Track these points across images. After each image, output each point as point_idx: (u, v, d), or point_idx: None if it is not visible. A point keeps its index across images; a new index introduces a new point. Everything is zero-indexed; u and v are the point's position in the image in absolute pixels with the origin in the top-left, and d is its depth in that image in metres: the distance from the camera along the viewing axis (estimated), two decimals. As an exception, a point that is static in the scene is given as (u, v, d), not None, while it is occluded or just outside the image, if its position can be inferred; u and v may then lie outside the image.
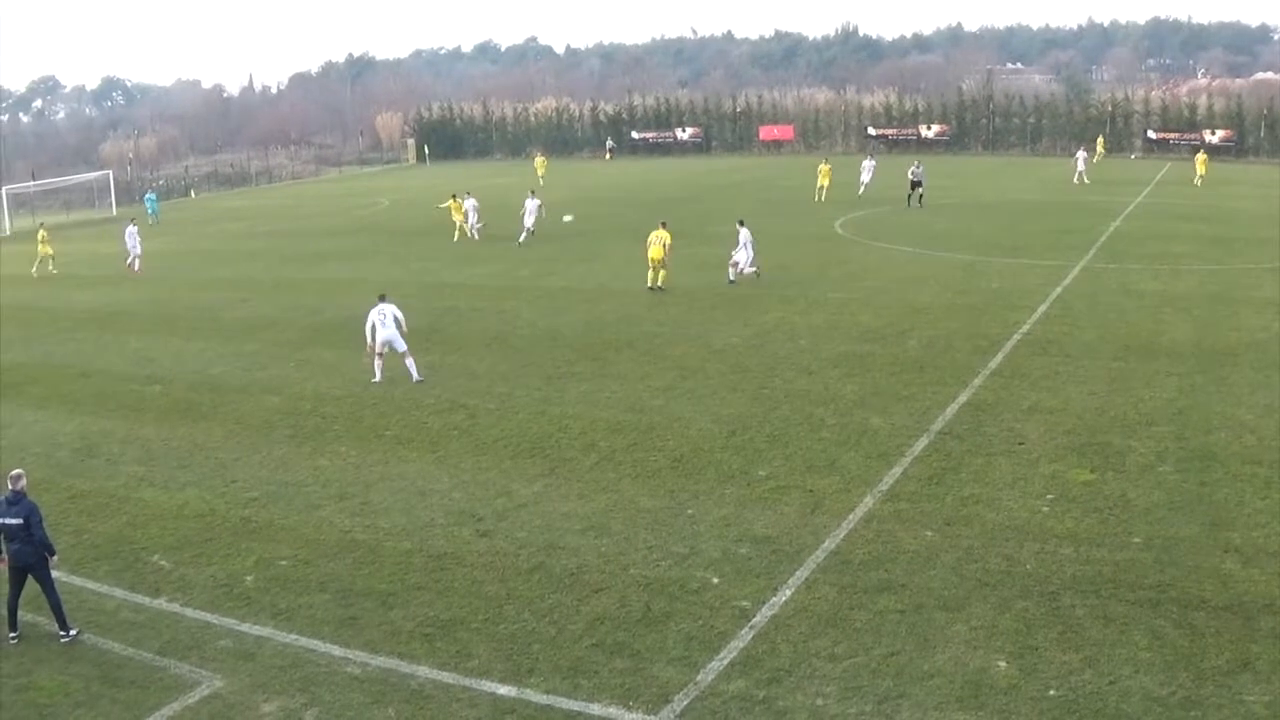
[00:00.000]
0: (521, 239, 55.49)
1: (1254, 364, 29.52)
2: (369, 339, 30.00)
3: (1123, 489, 20.89)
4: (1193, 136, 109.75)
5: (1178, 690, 13.99)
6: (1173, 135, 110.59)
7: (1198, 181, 78.08)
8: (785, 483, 21.67)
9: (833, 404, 26.78)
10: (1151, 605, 16.25)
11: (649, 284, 41.48)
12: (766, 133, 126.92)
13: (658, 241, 41.38)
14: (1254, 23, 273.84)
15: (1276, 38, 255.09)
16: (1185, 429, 24.39)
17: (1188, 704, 13.71)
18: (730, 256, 42.70)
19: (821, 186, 70.11)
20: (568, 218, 58.32)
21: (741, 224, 42.85)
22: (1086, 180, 78.76)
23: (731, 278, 42.18)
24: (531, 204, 56.79)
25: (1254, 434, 23.90)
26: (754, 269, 42.36)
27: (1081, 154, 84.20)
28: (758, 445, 23.96)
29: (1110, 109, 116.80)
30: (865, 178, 71.16)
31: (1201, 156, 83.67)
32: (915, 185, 65.16)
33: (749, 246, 42.27)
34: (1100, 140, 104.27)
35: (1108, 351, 30.98)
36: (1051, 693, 13.99)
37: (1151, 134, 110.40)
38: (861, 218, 61.72)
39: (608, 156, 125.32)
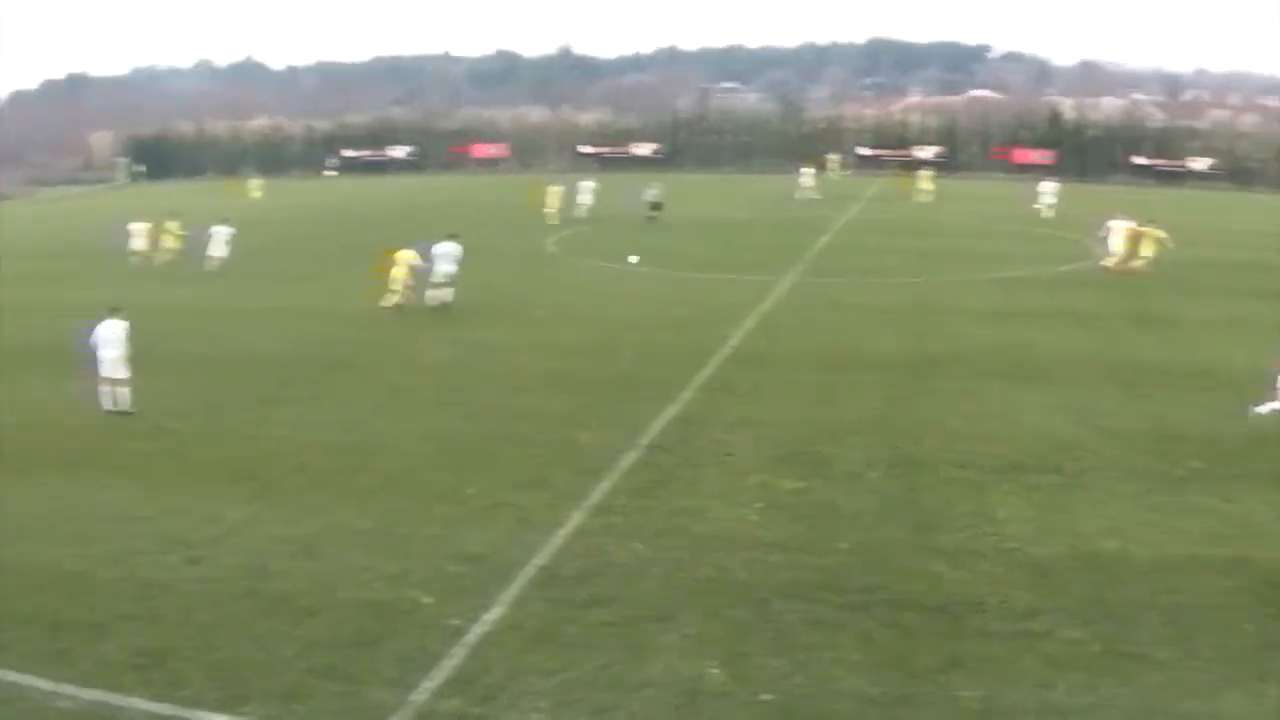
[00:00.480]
0: (211, 267, 54.15)
1: (961, 373, 32.24)
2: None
3: (831, 496, 22.58)
4: (904, 153, 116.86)
5: (890, 690, 15.31)
6: (884, 151, 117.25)
7: (925, 198, 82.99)
8: (495, 500, 22.42)
9: (542, 420, 27.78)
10: (861, 608, 17.68)
11: (386, 304, 41.68)
12: (480, 151, 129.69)
13: (402, 261, 41.65)
14: (971, 42, 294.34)
15: (992, 56, 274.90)
16: (893, 436, 26.52)
17: (900, 703, 15.06)
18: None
19: (551, 209, 71.22)
20: (633, 259, 54.43)
21: (452, 238, 43.26)
22: (798, 196, 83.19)
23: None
24: (222, 231, 55.25)
25: (960, 439, 26.26)
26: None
27: (806, 170, 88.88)
28: (468, 463, 24.70)
29: (824, 126, 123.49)
30: (585, 199, 72.92)
31: (925, 173, 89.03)
32: (655, 206, 67.36)
33: (447, 260, 42.53)
34: (838, 159, 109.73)
35: (816, 363, 33.14)
36: (765, 697, 15.10)
37: (864, 150, 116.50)
38: (573, 235, 63.43)
39: (330, 174, 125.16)
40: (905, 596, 18.15)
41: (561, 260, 54.55)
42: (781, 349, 34.97)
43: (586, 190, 73.43)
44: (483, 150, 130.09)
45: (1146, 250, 51.46)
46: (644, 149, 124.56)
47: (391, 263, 41.89)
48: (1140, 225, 52.32)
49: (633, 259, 53.88)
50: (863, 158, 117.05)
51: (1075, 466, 24.84)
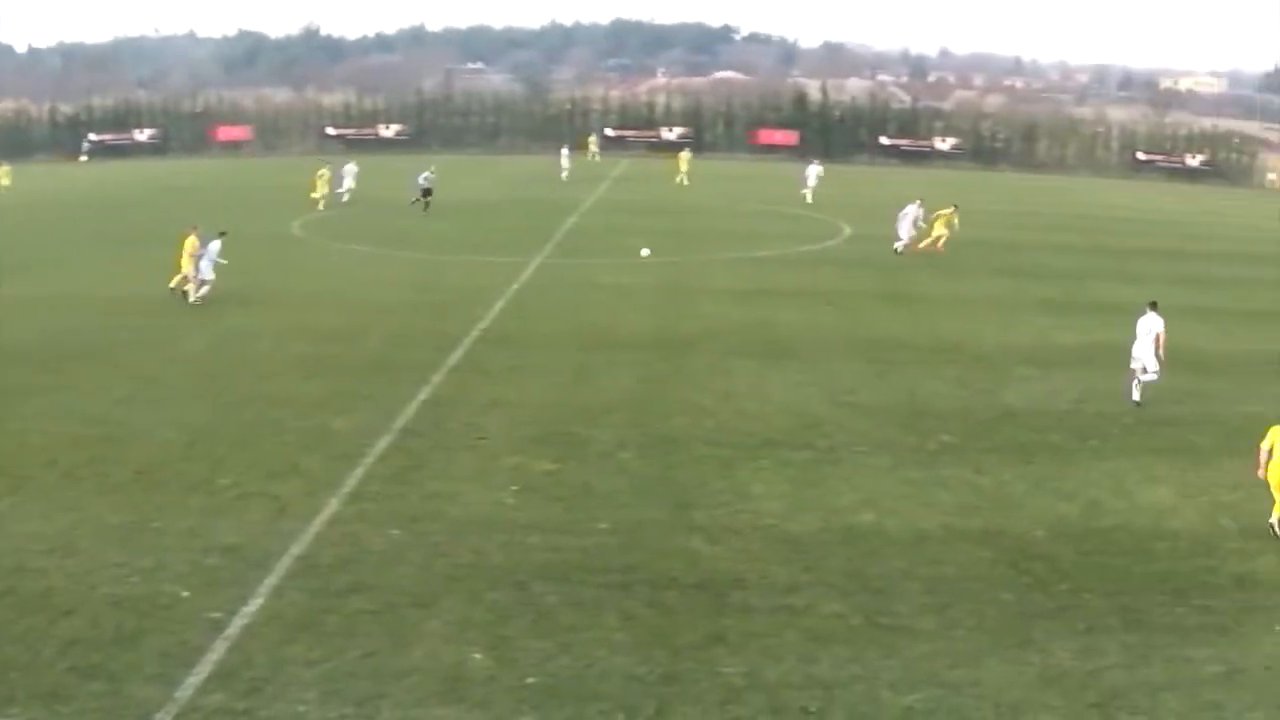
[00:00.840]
0: None
1: (711, 351, 32.99)
2: None
3: (586, 477, 22.92)
4: (651, 134, 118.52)
5: (655, 668, 15.64)
6: (630, 132, 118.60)
7: (682, 180, 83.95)
8: (249, 489, 22.10)
9: (294, 406, 27.46)
10: (621, 588, 18.02)
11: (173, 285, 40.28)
12: (225, 133, 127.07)
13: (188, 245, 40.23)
14: (716, 23, 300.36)
15: (737, 38, 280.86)
16: (645, 416, 27.09)
17: (666, 680, 15.39)
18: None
19: (323, 195, 69.49)
20: (645, 251, 50.75)
21: (222, 235, 41.80)
22: (564, 178, 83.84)
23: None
24: None
25: (713, 417, 26.96)
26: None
27: (565, 151, 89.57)
28: (220, 452, 24.21)
29: (569, 108, 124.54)
30: (348, 182, 71.58)
31: (685, 154, 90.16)
32: (426, 192, 66.65)
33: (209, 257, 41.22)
34: (591, 141, 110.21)
35: (567, 344, 33.46)
36: (530, 680, 15.25)
37: (609, 131, 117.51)
38: (320, 219, 62.40)
39: (83, 159, 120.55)
40: (665, 575, 18.55)
41: (309, 244, 53.79)
42: (533, 330, 35.21)
43: (349, 174, 72.36)
44: (227, 133, 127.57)
45: (939, 230, 53.39)
46: (390, 130, 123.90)
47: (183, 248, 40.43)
48: (939, 209, 54.41)
49: (645, 251, 50.39)
50: (608, 139, 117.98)
51: (827, 442, 25.71)
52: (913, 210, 53.22)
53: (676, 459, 24.12)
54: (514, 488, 22.21)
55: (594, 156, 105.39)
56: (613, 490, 22.29)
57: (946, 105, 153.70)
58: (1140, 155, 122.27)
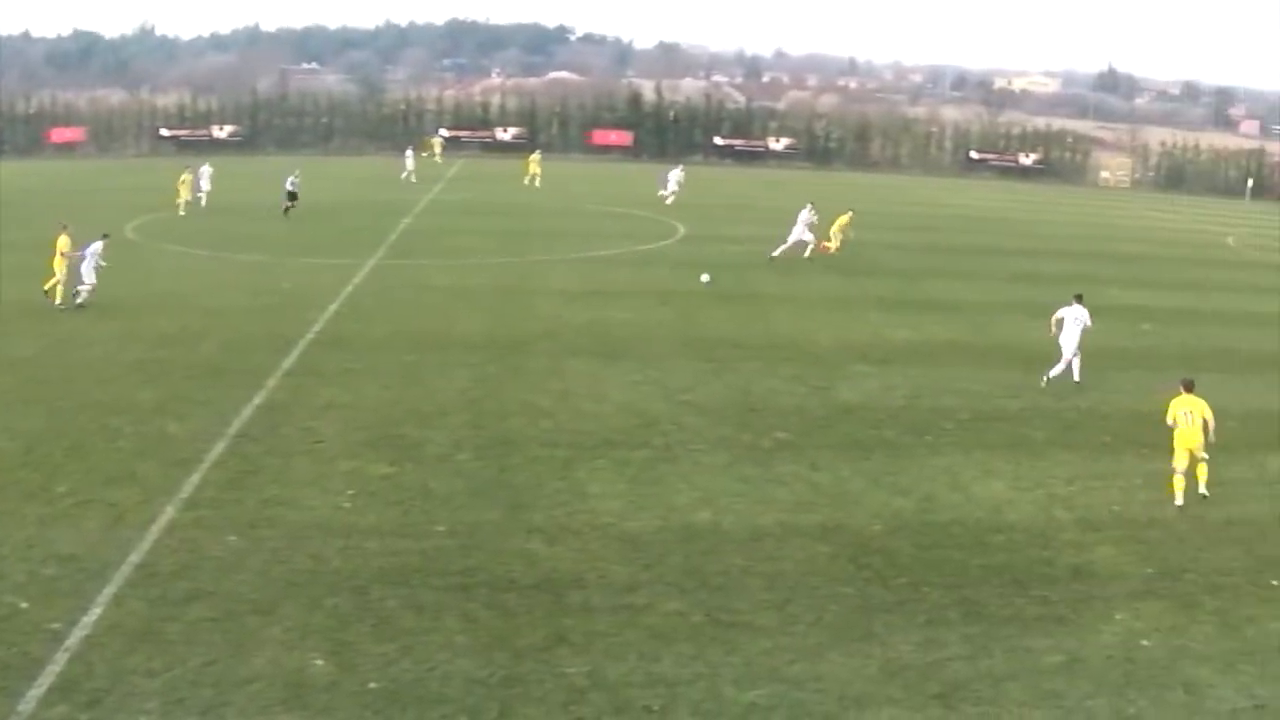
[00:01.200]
0: None
1: (547, 351, 33.13)
2: None
3: (423, 479, 22.88)
4: (486, 134, 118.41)
5: (497, 670, 15.69)
6: (465, 133, 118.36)
7: (533, 181, 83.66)
8: (86, 497, 21.63)
9: (130, 412, 26.90)
10: (461, 590, 18.05)
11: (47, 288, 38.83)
12: (58, 135, 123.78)
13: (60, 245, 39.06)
14: (552, 24, 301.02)
15: (573, 38, 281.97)
16: (481, 417, 27.10)
17: (509, 682, 15.44)
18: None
19: (185, 200, 67.68)
20: (705, 278, 47.24)
21: (105, 237, 40.68)
22: (414, 179, 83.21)
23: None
24: None
25: (549, 418, 27.14)
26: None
27: (409, 152, 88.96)
28: (56, 460, 23.65)
29: (404, 108, 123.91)
30: (205, 185, 69.82)
31: (535, 156, 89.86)
32: (292, 196, 65.59)
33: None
34: (435, 142, 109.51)
35: (401, 346, 33.31)
36: (372, 685, 15.21)
37: (444, 132, 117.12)
38: (153, 222, 61.06)
39: None
40: (505, 576, 18.63)
41: (144, 248, 52.64)
42: (367, 333, 35.00)
43: (205, 175, 70.73)
44: (60, 135, 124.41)
45: (838, 233, 54.06)
46: (224, 131, 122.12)
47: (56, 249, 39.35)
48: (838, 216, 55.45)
49: (705, 278, 46.86)
50: (443, 139, 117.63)
51: (664, 441, 25.98)
52: (806, 215, 53.56)
53: (513, 460, 24.19)
54: (351, 492, 22.07)
55: (437, 158, 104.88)
56: (450, 492, 22.28)
57: (781, 105, 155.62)
58: (974, 154, 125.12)
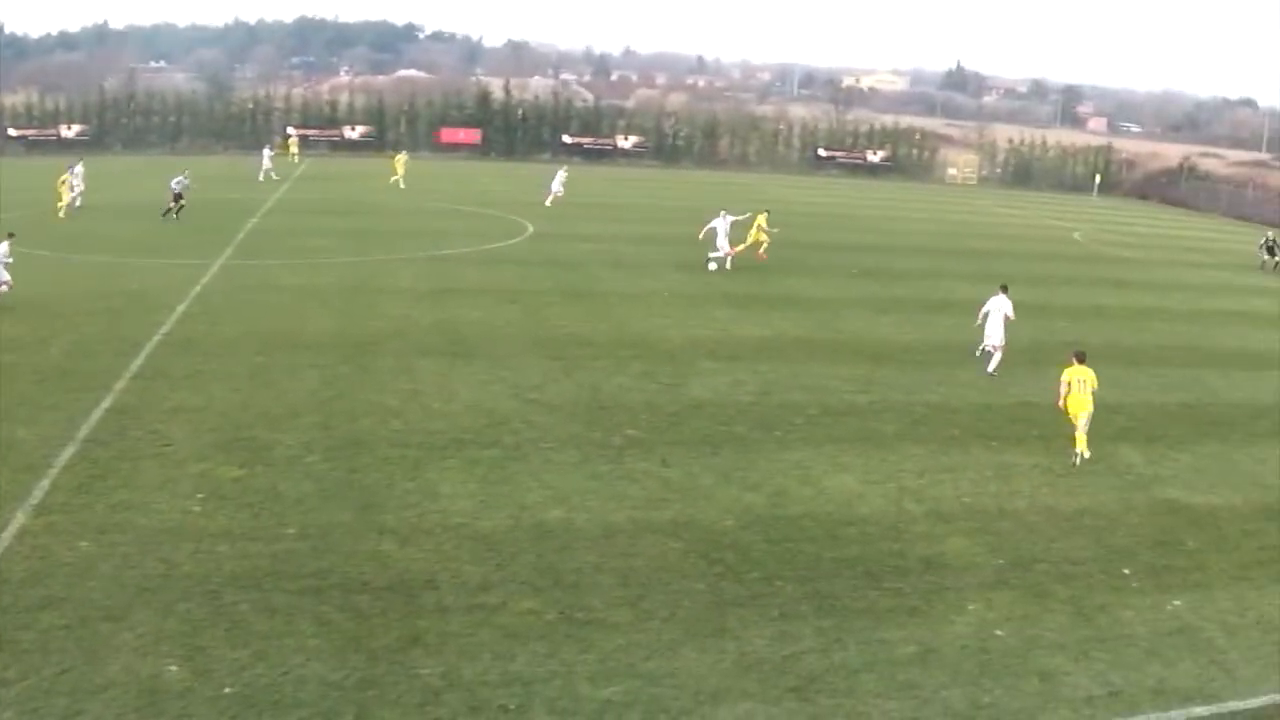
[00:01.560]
0: None
1: (396, 351, 33.06)
2: None
3: (273, 482, 22.75)
4: (334, 133, 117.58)
5: (352, 673, 15.72)
6: (313, 131, 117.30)
7: (398, 182, 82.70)
8: (-67, 503, 21.20)
9: (-23, 417, 26.34)
10: (314, 593, 18.02)
11: None
12: None
13: None
14: (401, 21, 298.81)
15: (422, 36, 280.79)
16: (331, 418, 26.98)
17: (364, 684, 15.48)
18: None
19: (65, 204, 65.59)
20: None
21: (11, 236, 40.53)
22: (275, 176, 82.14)
23: None
24: None
25: (399, 418, 27.10)
26: None
27: (267, 151, 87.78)
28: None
29: (252, 107, 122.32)
30: (77, 184, 67.75)
31: (401, 156, 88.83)
32: (178, 197, 64.24)
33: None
34: (292, 141, 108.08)
35: (249, 347, 32.97)
36: (227, 690, 15.13)
37: (291, 130, 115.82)
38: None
39: None
40: (357, 578, 18.64)
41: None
42: (215, 334, 34.56)
43: (78, 175, 68.79)
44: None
45: (757, 237, 54.27)
46: (71, 131, 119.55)
47: None
48: (756, 218, 55.56)
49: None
50: (289, 138, 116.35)
51: (514, 439, 26.08)
52: (719, 222, 53.54)
53: (364, 461, 24.14)
54: (201, 495, 21.86)
55: (294, 156, 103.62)
56: (301, 495, 22.18)
57: (630, 104, 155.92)
58: (821, 152, 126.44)
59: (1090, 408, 27.27)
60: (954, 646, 17.87)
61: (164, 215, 61.02)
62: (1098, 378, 27.44)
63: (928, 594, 19.70)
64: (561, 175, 78.07)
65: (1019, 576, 20.86)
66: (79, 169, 67.47)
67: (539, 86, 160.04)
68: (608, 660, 16.46)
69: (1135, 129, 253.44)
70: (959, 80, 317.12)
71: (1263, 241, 73.92)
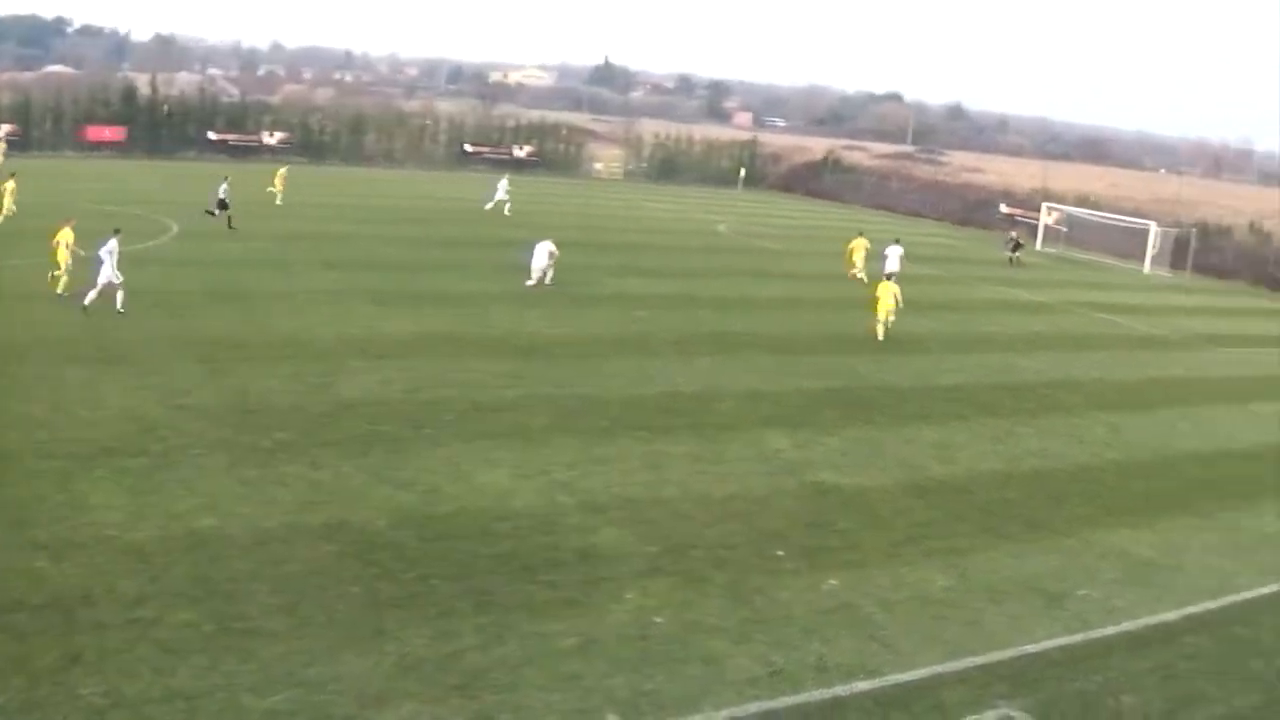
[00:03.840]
0: None
1: (41, 359, 31.55)
2: None
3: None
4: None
5: (14, 696, 15.03)
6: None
7: (276, 197, 78.52)
8: None
9: None
10: (-37, 614, 17.10)
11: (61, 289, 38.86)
12: None
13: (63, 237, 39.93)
14: (50, 15, 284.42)
15: (70, 31, 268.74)
16: (-26, 429, 25.48)
17: (27, 708, 14.84)
18: None
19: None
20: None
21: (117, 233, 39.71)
22: None
23: None
24: None
25: (45, 428, 25.90)
26: None
27: None
28: None
29: None
30: None
31: (281, 171, 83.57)
32: (223, 205, 59.89)
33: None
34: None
35: None
36: None
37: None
38: None
39: None
40: (12, 597, 17.77)
41: None
42: None
43: None
44: None
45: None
46: None
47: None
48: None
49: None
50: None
51: (163, 447, 25.35)
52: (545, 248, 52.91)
53: (10, 475, 22.98)
54: None
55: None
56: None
57: (276, 99, 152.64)
58: (468, 147, 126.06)
59: (891, 306, 43.83)
60: (614, 635, 18.22)
61: (208, 213, 61.88)
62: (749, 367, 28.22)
63: (585, 585, 20.04)
64: (504, 184, 79.03)
65: (674, 563, 21.40)
66: None
67: (186, 82, 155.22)
68: (269, 669, 16.20)
69: (781, 123, 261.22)
70: (606, 75, 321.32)
71: (1008, 240, 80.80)
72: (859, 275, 59.37)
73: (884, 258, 59.79)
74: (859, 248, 61.34)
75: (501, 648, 17.43)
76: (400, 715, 15.41)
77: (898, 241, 62.76)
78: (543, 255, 51.56)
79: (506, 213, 77.53)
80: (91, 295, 37.65)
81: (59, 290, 39.03)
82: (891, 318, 45.22)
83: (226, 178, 64.70)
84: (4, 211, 59.50)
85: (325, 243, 55.51)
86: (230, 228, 59.66)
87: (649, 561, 21.41)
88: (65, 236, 40.66)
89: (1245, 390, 45.64)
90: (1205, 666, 19.92)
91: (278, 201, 73.48)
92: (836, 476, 27.77)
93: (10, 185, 61.09)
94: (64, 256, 40.08)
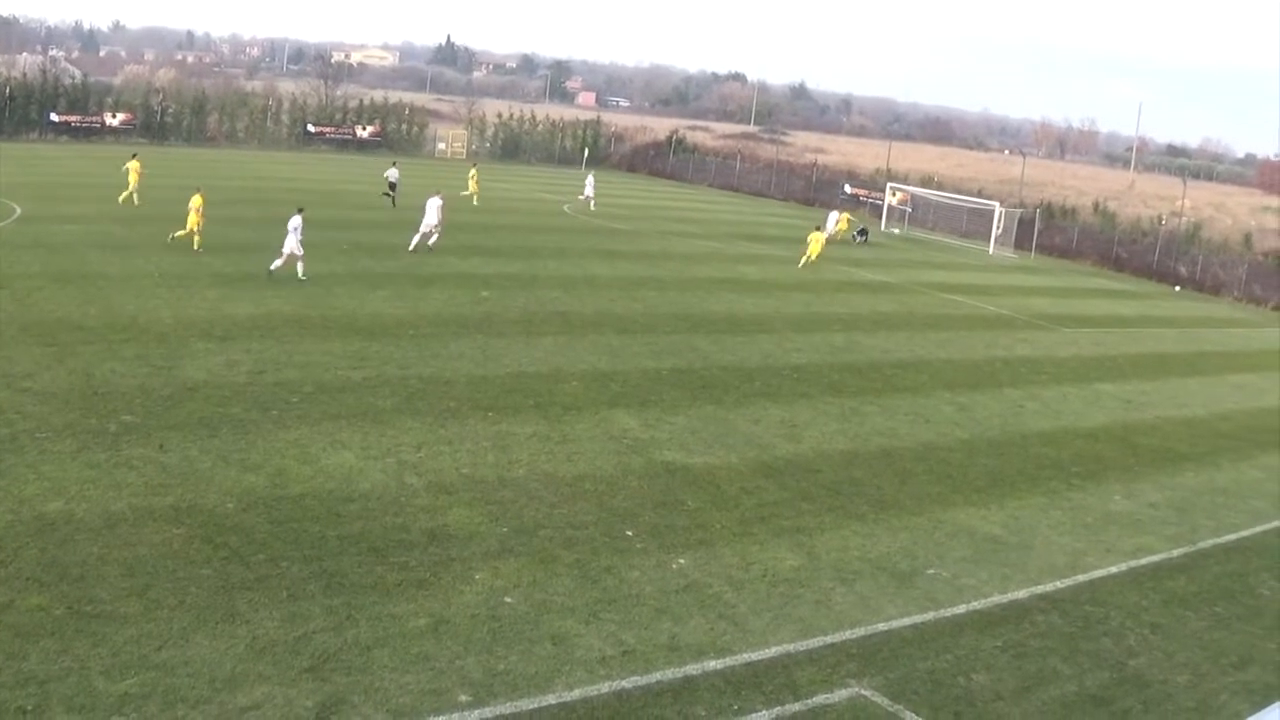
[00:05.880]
0: None
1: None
2: None
3: None
4: None
5: None
6: None
7: (474, 199, 76.65)
8: None
9: None
10: None
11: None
12: None
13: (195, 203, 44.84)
14: None
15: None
16: None
17: None
18: None
19: None
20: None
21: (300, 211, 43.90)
22: None
23: None
24: None
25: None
26: None
27: None
28: None
29: None
30: None
31: (473, 172, 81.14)
32: (393, 186, 58.21)
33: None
34: None
35: None
36: None
37: None
38: None
39: None
40: None
41: None
42: None
43: None
44: None
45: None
46: None
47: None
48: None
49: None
50: None
51: (9, 431, 24.76)
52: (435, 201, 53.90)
53: None
54: None
55: None
56: None
57: (118, 80, 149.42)
58: (311, 128, 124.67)
59: (819, 249, 57.95)
60: (465, 616, 18.30)
61: (385, 194, 73.07)
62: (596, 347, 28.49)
63: (434, 566, 20.08)
64: (591, 180, 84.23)
65: (524, 543, 21.51)
66: None
67: (28, 63, 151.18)
68: (120, 653, 16.01)
69: (625, 103, 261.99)
70: (449, 55, 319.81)
71: (855, 234, 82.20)
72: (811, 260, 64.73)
73: (826, 220, 76.75)
74: (817, 241, 65.92)
75: (353, 629, 17.42)
76: (253, 698, 15.33)
77: (839, 209, 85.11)
78: (434, 212, 51.67)
79: (593, 208, 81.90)
80: (277, 263, 43.51)
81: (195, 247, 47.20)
82: (812, 260, 63.31)
83: (394, 163, 77.12)
84: None
85: (166, 224, 54.36)
86: (393, 206, 70.50)
87: (499, 542, 21.50)
88: (195, 202, 48.63)
89: (1091, 370, 46.86)
90: (1056, 645, 20.49)
91: (475, 202, 78.04)
92: (684, 456, 28.06)
93: None
94: (194, 220, 48.39)
